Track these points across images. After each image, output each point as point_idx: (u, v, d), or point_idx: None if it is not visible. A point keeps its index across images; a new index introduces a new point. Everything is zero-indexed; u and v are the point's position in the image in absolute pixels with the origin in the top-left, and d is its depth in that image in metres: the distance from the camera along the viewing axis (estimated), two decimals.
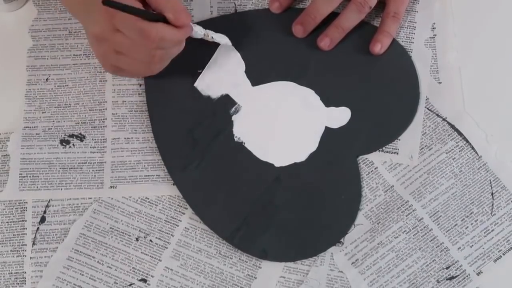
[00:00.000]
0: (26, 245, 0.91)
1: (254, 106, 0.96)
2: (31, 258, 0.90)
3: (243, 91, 0.96)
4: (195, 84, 0.97)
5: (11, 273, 0.90)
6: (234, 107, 0.96)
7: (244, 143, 0.95)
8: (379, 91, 0.96)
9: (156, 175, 0.94)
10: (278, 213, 0.92)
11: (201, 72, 0.97)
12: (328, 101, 0.96)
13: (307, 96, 0.96)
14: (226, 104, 0.96)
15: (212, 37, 0.93)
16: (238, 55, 0.97)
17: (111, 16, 0.81)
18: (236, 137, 0.95)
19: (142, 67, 0.87)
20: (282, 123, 0.95)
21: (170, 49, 0.86)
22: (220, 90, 0.96)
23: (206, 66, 0.97)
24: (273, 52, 0.98)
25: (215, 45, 0.96)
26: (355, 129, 0.95)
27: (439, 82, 0.98)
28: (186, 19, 0.84)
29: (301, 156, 0.94)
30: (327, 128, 0.95)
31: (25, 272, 0.90)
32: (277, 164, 0.94)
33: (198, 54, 0.95)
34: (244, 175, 0.93)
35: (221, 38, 0.94)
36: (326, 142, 0.94)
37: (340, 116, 0.96)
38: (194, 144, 0.94)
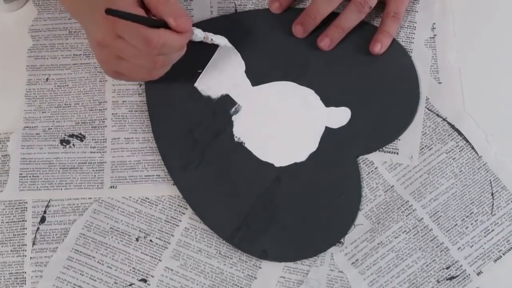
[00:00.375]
0: (26, 245, 0.91)
1: (254, 106, 0.96)
2: (31, 258, 0.90)
3: (243, 91, 0.96)
4: (195, 84, 0.96)
5: (11, 273, 0.90)
6: (234, 107, 0.96)
7: (244, 143, 0.94)
8: (379, 91, 0.96)
9: (156, 175, 0.94)
10: (278, 213, 0.92)
11: (201, 72, 0.97)
12: (328, 101, 0.96)
13: (307, 96, 0.96)
14: (226, 104, 0.96)
15: (211, 39, 0.93)
16: (238, 55, 0.97)
17: (113, 23, 0.81)
18: (236, 137, 0.95)
19: (144, 72, 0.87)
20: (282, 123, 0.95)
21: (172, 54, 0.86)
22: (220, 90, 0.96)
23: (206, 66, 0.97)
24: (273, 52, 0.98)
25: (215, 45, 0.95)
26: (355, 129, 0.95)
27: (439, 82, 0.98)
28: (187, 24, 0.84)
29: (301, 156, 0.94)
30: (327, 128, 0.95)
31: (25, 272, 0.90)
32: (277, 164, 0.94)
33: (198, 54, 0.95)
34: (244, 175, 0.93)
35: (220, 40, 0.94)
36: (326, 142, 0.94)
37: (340, 116, 0.96)
38: (194, 144, 0.94)
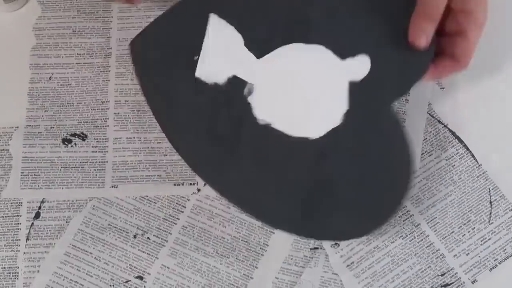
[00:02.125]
0: (20, 240, 0.91)
1: (267, 80, 0.86)
2: (24, 253, 0.91)
3: (249, 67, 0.86)
4: (197, 74, 0.87)
5: (4, 267, 0.90)
6: (247, 88, 0.86)
7: (271, 124, 0.86)
8: (393, 28, 0.85)
9: (157, 176, 0.94)
10: (337, 190, 0.84)
11: (197, 59, 0.87)
12: (343, 53, 0.86)
13: (319, 54, 0.86)
14: (237, 86, 0.86)
15: None
16: (231, 28, 0.87)
17: None
18: (260, 119, 0.86)
19: None
20: (303, 90, 0.86)
21: None
22: (225, 72, 0.87)
23: (201, 51, 0.87)
24: (267, 16, 0.87)
25: (201, 24, 0.87)
26: (380, 74, 0.85)
27: (441, 88, 0.98)
28: None
29: (335, 119, 0.85)
30: (351, 83, 0.86)
31: (18, 267, 0.90)
32: (313, 135, 0.85)
33: (186, 41, 0.87)
34: (283, 158, 0.85)
35: None
36: (355, 97, 0.85)
37: (359, 66, 0.85)
38: (219, 143, 0.86)
